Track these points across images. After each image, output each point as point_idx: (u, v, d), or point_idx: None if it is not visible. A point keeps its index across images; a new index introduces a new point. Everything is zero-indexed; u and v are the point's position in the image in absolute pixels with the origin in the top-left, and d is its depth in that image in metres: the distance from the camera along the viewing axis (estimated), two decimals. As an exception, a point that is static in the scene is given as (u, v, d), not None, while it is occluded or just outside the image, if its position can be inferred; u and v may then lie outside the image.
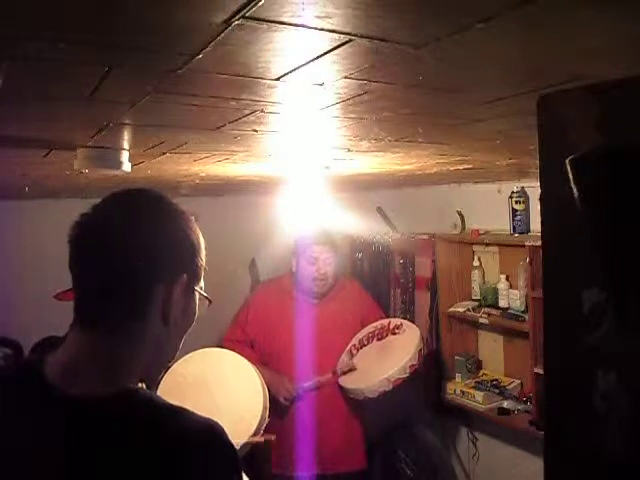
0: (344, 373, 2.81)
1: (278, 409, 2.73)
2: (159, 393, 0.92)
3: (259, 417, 2.03)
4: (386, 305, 3.52)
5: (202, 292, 0.94)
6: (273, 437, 2.18)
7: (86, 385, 0.82)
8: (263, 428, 2.05)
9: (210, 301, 0.96)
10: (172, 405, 0.83)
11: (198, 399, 1.88)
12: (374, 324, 2.95)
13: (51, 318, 2.19)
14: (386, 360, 2.72)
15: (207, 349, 2.31)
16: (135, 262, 0.84)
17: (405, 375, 2.63)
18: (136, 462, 0.77)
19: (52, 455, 0.78)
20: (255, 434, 1.99)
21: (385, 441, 3.38)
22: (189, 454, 0.78)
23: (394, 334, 2.85)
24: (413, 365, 2.65)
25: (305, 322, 2.81)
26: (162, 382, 1.85)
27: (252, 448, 2.07)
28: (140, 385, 0.87)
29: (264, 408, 2.09)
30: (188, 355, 2.15)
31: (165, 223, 0.89)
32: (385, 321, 2.97)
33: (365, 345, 2.88)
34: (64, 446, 0.78)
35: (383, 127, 1.24)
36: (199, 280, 0.93)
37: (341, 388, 2.80)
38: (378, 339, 2.87)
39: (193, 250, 0.91)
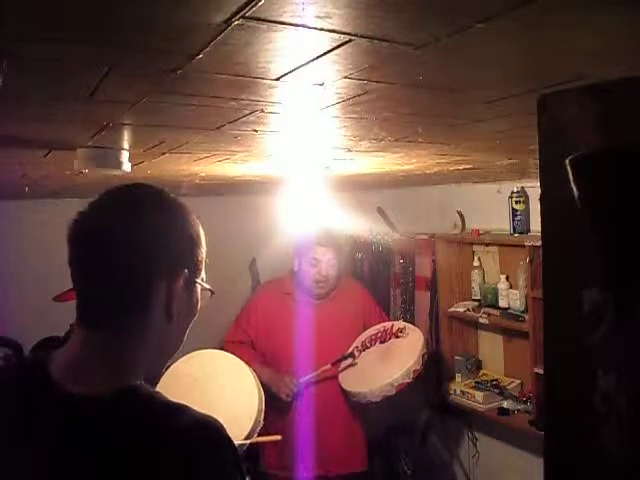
0: (344, 367, 2.80)
1: (279, 410, 2.73)
2: None
3: (253, 420, 2.03)
4: (386, 305, 3.52)
5: (204, 284, 0.94)
6: (278, 437, 2.18)
7: (89, 383, 0.82)
8: (257, 431, 2.05)
9: (212, 292, 0.96)
10: (173, 402, 0.84)
11: (194, 400, 1.87)
12: (377, 326, 2.95)
13: (51, 318, 2.19)
14: (389, 364, 2.71)
15: (205, 350, 2.30)
16: (135, 259, 0.84)
17: (409, 380, 2.62)
18: (138, 459, 0.78)
19: (55, 453, 0.78)
20: (249, 437, 1.98)
21: (385, 441, 3.38)
22: (190, 450, 0.78)
23: (397, 337, 2.84)
24: (417, 370, 2.64)
25: (306, 323, 2.80)
26: (160, 382, 1.85)
27: (248, 449, 2.07)
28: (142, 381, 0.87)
29: (259, 411, 2.08)
30: (186, 356, 2.14)
31: (163, 218, 0.88)
32: (388, 324, 2.96)
33: (368, 347, 2.87)
34: (67, 443, 0.78)
35: (383, 127, 1.24)
36: (200, 273, 0.93)
37: (344, 392, 2.79)
38: (381, 342, 2.86)
39: (193, 243, 0.91)
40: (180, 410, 0.82)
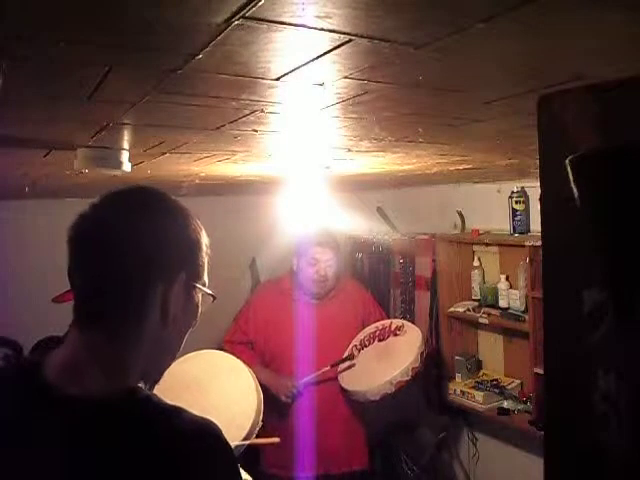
0: (343, 369, 2.80)
1: (280, 409, 2.73)
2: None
3: (251, 420, 2.02)
4: (386, 305, 3.52)
5: (204, 289, 0.93)
6: (277, 440, 2.18)
7: (85, 385, 0.82)
8: (256, 432, 2.04)
9: (214, 297, 0.95)
10: (170, 405, 0.83)
11: (192, 400, 1.87)
12: (375, 324, 2.95)
13: (51, 318, 2.18)
14: (388, 362, 2.71)
15: (204, 351, 2.30)
16: (133, 262, 0.84)
17: (408, 378, 2.62)
18: (134, 462, 0.77)
19: (51, 455, 0.78)
20: (247, 437, 1.98)
21: (385, 441, 3.38)
22: (187, 453, 0.78)
23: (396, 335, 2.84)
24: (415, 368, 2.64)
25: (305, 322, 2.80)
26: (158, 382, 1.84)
27: (247, 449, 2.07)
28: (140, 385, 0.87)
29: (257, 412, 2.08)
30: (185, 356, 2.14)
31: (163, 221, 0.88)
32: (386, 322, 2.96)
33: (366, 346, 2.88)
34: (63, 446, 0.78)
35: (383, 127, 1.24)
36: (200, 277, 0.92)
37: (343, 390, 2.80)
38: (379, 340, 2.87)
39: (192, 247, 0.90)
40: (177, 413, 0.82)
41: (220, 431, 0.83)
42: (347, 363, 2.82)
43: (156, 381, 0.93)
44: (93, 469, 0.77)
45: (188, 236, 0.90)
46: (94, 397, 0.80)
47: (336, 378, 2.82)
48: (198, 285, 0.91)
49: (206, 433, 0.82)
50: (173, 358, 0.94)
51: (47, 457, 0.78)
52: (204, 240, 0.93)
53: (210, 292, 0.94)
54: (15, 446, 0.79)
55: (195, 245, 0.91)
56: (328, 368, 2.79)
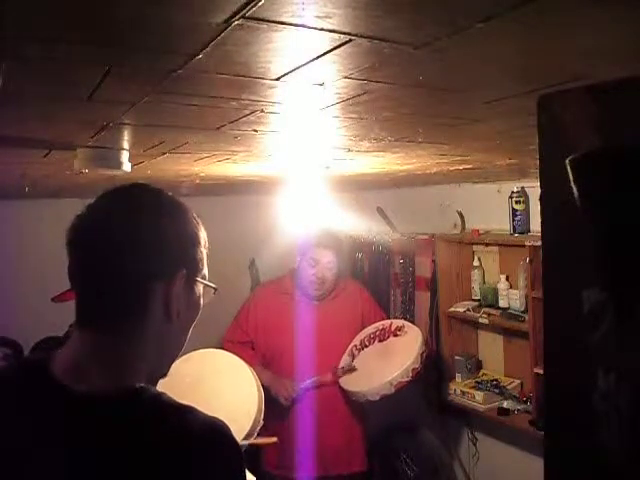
0: (344, 373, 2.81)
1: (279, 410, 2.73)
2: None
3: (252, 419, 2.03)
4: (386, 305, 3.52)
5: (205, 282, 0.93)
6: (275, 440, 2.18)
7: (91, 383, 0.82)
8: (257, 431, 2.05)
9: (215, 289, 0.95)
10: (178, 403, 0.83)
11: (194, 399, 1.87)
12: (375, 325, 2.95)
13: (51, 318, 2.19)
14: (388, 362, 2.71)
15: (206, 350, 2.31)
16: (132, 261, 0.84)
17: (408, 378, 2.62)
18: (141, 460, 0.77)
19: (57, 452, 0.78)
20: (248, 436, 1.98)
21: (385, 441, 3.38)
22: (195, 452, 0.78)
23: (396, 335, 2.84)
24: (415, 368, 2.64)
25: (305, 322, 2.80)
26: (159, 381, 1.84)
27: (247, 449, 2.07)
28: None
29: (258, 411, 2.08)
30: (187, 355, 2.14)
31: (161, 218, 0.88)
32: (387, 322, 2.96)
33: (367, 346, 2.88)
34: (69, 443, 0.78)
35: (383, 127, 1.24)
36: (200, 272, 0.92)
37: (342, 390, 2.79)
38: (380, 340, 2.86)
39: (191, 243, 0.90)
40: (187, 412, 0.82)
41: (230, 431, 0.83)
42: (348, 369, 2.82)
43: (163, 376, 0.94)
44: (99, 467, 0.77)
45: (186, 231, 0.90)
46: (100, 395, 0.81)
47: (336, 382, 2.82)
48: (199, 279, 0.92)
49: (217, 432, 0.82)
50: (179, 353, 0.95)
51: (53, 454, 0.78)
52: (202, 234, 0.93)
53: (212, 284, 0.94)
54: (24, 444, 0.79)
55: (194, 240, 0.91)
56: (330, 375, 2.79)
